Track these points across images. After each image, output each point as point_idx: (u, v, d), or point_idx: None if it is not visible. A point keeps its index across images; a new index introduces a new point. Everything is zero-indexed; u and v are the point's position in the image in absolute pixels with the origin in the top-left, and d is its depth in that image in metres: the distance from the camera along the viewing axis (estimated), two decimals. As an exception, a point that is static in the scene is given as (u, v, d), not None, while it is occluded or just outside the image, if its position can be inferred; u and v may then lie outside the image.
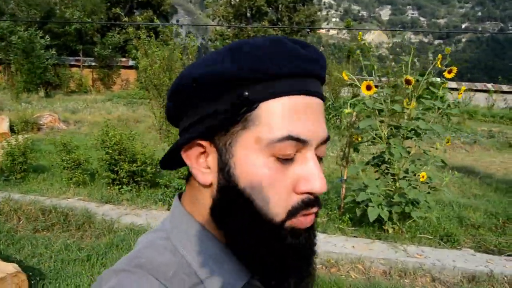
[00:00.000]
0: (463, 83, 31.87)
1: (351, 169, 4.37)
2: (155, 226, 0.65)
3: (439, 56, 4.05)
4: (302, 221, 0.55)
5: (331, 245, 4.22)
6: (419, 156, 4.90)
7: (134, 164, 5.57)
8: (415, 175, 4.59)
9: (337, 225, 4.70)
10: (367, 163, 4.71)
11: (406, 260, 3.98)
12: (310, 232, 0.57)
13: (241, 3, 32.57)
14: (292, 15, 33.56)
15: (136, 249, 0.61)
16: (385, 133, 4.39)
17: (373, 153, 4.77)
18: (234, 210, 0.56)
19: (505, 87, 29.76)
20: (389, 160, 4.38)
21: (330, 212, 5.10)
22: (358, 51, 4.80)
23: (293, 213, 0.54)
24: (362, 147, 5.74)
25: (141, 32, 8.99)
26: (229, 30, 33.56)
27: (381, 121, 4.45)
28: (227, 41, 32.34)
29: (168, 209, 5.05)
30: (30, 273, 3.49)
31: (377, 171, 4.66)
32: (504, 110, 23.48)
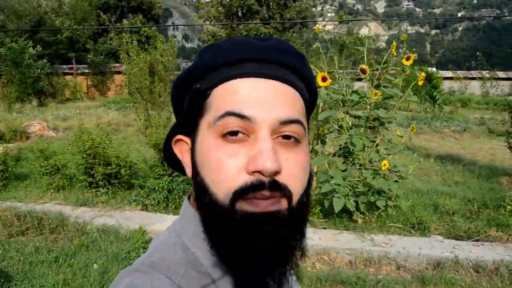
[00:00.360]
0: (459, 71, 31.86)
1: (316, 161, 4.39)
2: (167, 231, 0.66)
3: (394, 43, 4.06)
4: (258, 203, 0.53)
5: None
6: (391, 145, 4.89)
7: (109, 167, 5.60)
8: (392, 165, 4.61)
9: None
10: (334, 155, 4.73)
11: (371, 250, 4.00)
12: (274, 219, 0.54)
13: (231, 2, 32.60)
14: (284, 12, 33.57)
15: (150, 249, 0.63)
16: (349, 124, 4.40)
17: (340, 145, 4.79)
18: (199, 197, 0.58)
19: (501, 74, 29.71)
20: (353, 151, 4.40)
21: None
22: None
23: (239, 193, 0.53)
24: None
25: (125, 36, 9.02)
26: (221, 30, 33.60)
27: (346, 112, 4.46)
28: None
29: (142, 209, 5.10)
30: (-4, 276, 3.54)
31: (344, 162, 4.68)
32: (498, 97, 23.46)
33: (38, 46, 19.03)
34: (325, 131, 4.65)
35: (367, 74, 4.02)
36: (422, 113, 16.59)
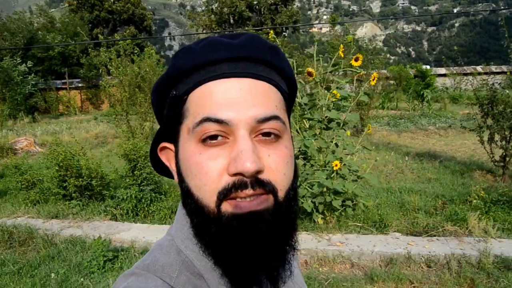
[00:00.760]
0: (452, 68, 31.90)
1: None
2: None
3: (341, 46, 4.15)
4: (242, 205, 0.53)
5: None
6: (349, 145, 4.97)
7: (80, 179, 5.71)
8: (348, 165, 4.69)
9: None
10: (297, 157, 4.81)
11: (326, 249, 4.07)
12: (260, 217, 0.54)
13: (223, 10, 32.85)
14: (275, 17, 33.78)
15: (147, 253, 0.65)
16: (306, 126, 4.48)
17: (299, 147, 4.88)
18: (185, 202, 0.60)
19: (494, 68, 29.69)
20: (307, 152, 4.49)
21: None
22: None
23: (223, 195, 0.53)
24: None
25: (101, 51, 9.18)
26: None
27: (301, 115, 4.54)
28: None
29: (111, 219, 5.20)
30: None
31: (304, 164, 4.76)
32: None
33: (29, 62, 19.21)
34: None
35: (313, 77, 4.10)
36: (410, 111, 16.65)
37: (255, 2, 34.07)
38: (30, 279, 3.96)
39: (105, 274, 3.98)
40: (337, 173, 4.46)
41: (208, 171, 0.54)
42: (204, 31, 33.84)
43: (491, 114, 6.81)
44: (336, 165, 4.20)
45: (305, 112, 4.62)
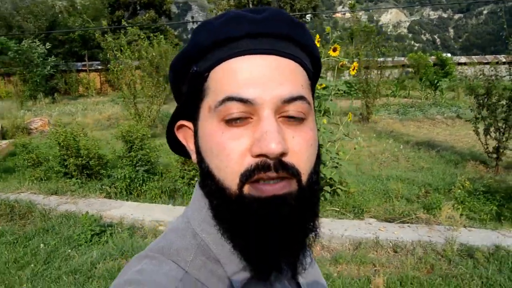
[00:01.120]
0: (473, 57, 31.20)
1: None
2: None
3: (317, 36, 4.27)
4: (265, 189, 0.52)
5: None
6: (331, 133, 5.12)
7: (80, 159, 6.03)
8: (328, 152, 4.86)
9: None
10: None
11: (299, 230, 4.27)
12: (283, 201, 0.52)
13: (242, -5, 32.77)
14: (294, 2, 33.52)
15: (161, 236, 0.64)
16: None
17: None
18: (205, 183, 0.58)
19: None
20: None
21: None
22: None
23: (245, 176, 0.52)
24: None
25: (107, 36, 9.48)
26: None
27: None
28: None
29: (105, 197, 5.51)
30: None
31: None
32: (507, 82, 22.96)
33: (47, 44, 19.73)
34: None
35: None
36: (422, 100, 16.51)
37: (274, -13, 33.86)
38: (23, 249, 4.30)
39: (91, 247, 4.29)
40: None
41: (230, 152, 0.53)
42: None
43: (486, 105, 6.82)
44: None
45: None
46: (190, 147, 0.63)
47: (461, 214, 4.64)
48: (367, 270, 3.72)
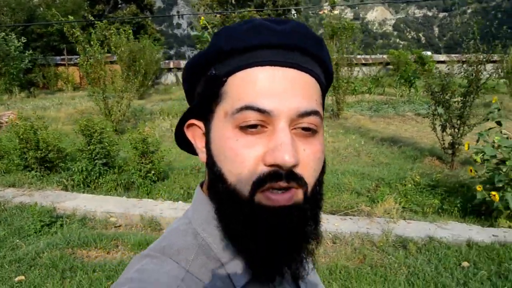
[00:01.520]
0: (453, 55, 31.70)
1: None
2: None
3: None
4: (274, 198, 0.54)
5: (182, 212, 4.67)
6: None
7: (39, 151, 6.07)
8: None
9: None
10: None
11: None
12: (290, 211, 0.54)
13: (224, -10, 32.74)
14: (276, -1, 33.59)
15: (162, 236, 0.65)
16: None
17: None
18: (214, 185, 0.59)
19: (496, 57, 29.46)
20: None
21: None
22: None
23: (257, 185, 0.53)
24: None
25: (75, 31, 9.47)
26: (215, 18, 33.80)
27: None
28: (214, 29, 32.71)
29: (62, 189, 5.56)
30: None
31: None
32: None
33: (22, 38, 19.50)
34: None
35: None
36: (397, 97, 16.77)
37: (257, -17, 33.89)
38: (-28, 239, 4.35)
39: (40, 237, 4.35)
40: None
41: (244, 159, 0.54)
42: (205, 11, 33.81)
43: (441, 102, 7.02)
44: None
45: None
46: (198, 145, 0.64)
47: (404, 207, 4.83)
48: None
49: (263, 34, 0.56)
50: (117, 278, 2.91)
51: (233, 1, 33.93)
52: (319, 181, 0.60)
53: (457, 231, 4.23)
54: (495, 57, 12.06)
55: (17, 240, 4.28)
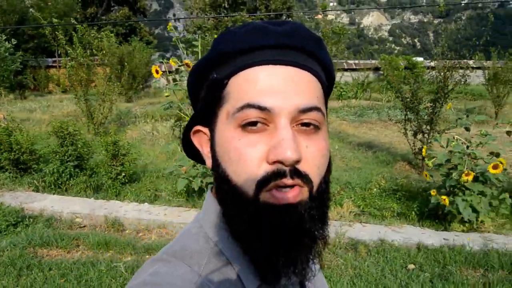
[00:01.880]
0: (446, 61, 31.89)
1: (165, 147, 4.91)
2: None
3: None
4: (279, 197, 0.53)
5: (146, 213, 4.79)
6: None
7: (13, 153, 6.17)
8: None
9: (169, 197, 5.27)
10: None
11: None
12: (295, 210, 0.54)
13: (216, -6, 32.94)
14: (269, 3, 33.84)
15: (174, 239, 0.65)
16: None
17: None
18: (221, 188, 0.59)
19: (486, 63, 29.70)
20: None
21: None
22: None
23: (262, 184, 0.54)
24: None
25: (58, 34, 9.61)
26: (208, 21, 34.00)
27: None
28: (206, 33, 32.88)
29: (33, 190, 5.65)
30: None
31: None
32: (472, 86, 23.70)
33: (13, 39, 19.58)
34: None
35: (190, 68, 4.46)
36: (383, 102, 16.95)
37: (250, -13, 34.17)
38: None
39: (4, 237, 4.45)
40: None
41: (247, 158, 0.54)
42: (198, 14, 33.98)
43: (411, 108, 7.18)
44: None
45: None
46: (205, 152, 0.64)
47: (363, 211, 4.96)
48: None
49: (264, 35, 0.57)
50: (72, 276, 3.02)
51: (226, 5, 34.14)
52: (325, 180, 0.60)
53: (410, 234, 4.36)
54: (474, 63, 12.30)
55: (-20, 240, 4.38)
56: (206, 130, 0.63)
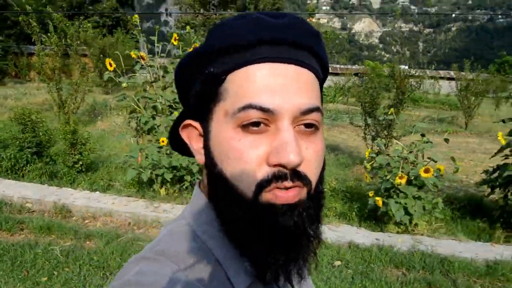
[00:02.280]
0: (427, 70, 32.50)
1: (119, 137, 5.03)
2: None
3: (174, 34, 4.66)
4: (279, 195, 0.53)
5: (95, 202, 4.92)
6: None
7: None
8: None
9: (121, 187, 5.40)
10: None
11: (148, 214, 4.66)
12: (294, 209, 0.54)
13: (206, -9, 33.05)
14: (258, 3, 34.06)
15: (158, 237, 0.62)
16: (142, 106, 5.04)
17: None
18: (215, 187, 0.58)
19: (468, 74, 30.37)
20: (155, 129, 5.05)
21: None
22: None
23: (262, 186, 0.53)
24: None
25: (32, 21, 9.64)
26: (196, 18, 34.07)
27: (143, 97, 5.08)
28: (193, 29, 32.97)
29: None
30: None
31: (150, 140, 5.31)
32: (449, 96, 24.29)
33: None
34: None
35: (145, 61, 4.62)
36: (360, 107, 17.24)
37: (240, -14, 34.28)
38: None
39: (-51, 219, 4.54)
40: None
41: (247, 159, 0.53)
42: (187, 10, 34.04)
43: (369, 113, 7.42)
44: (163, 141, 4.76)
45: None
46: (194, 147, 0.62)
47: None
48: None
49: (260, 29, 0.54)
50: (7, 257, 3.15)
51: (214, 3, 34.25)
52: (321, 179, 0.59)
53: (344, 233, 4.55)
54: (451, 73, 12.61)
55: None
56: (197, 124, 0.61)
